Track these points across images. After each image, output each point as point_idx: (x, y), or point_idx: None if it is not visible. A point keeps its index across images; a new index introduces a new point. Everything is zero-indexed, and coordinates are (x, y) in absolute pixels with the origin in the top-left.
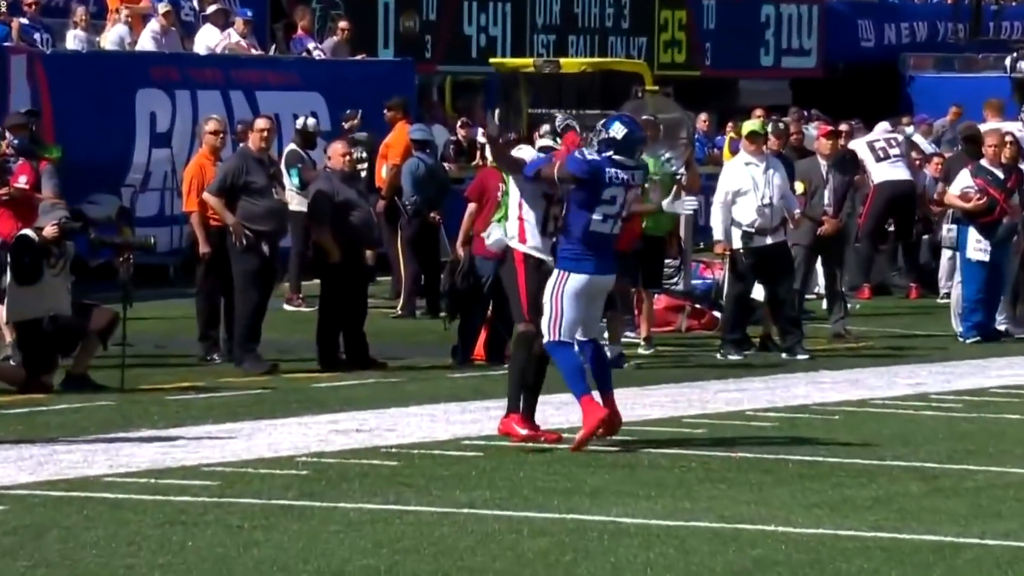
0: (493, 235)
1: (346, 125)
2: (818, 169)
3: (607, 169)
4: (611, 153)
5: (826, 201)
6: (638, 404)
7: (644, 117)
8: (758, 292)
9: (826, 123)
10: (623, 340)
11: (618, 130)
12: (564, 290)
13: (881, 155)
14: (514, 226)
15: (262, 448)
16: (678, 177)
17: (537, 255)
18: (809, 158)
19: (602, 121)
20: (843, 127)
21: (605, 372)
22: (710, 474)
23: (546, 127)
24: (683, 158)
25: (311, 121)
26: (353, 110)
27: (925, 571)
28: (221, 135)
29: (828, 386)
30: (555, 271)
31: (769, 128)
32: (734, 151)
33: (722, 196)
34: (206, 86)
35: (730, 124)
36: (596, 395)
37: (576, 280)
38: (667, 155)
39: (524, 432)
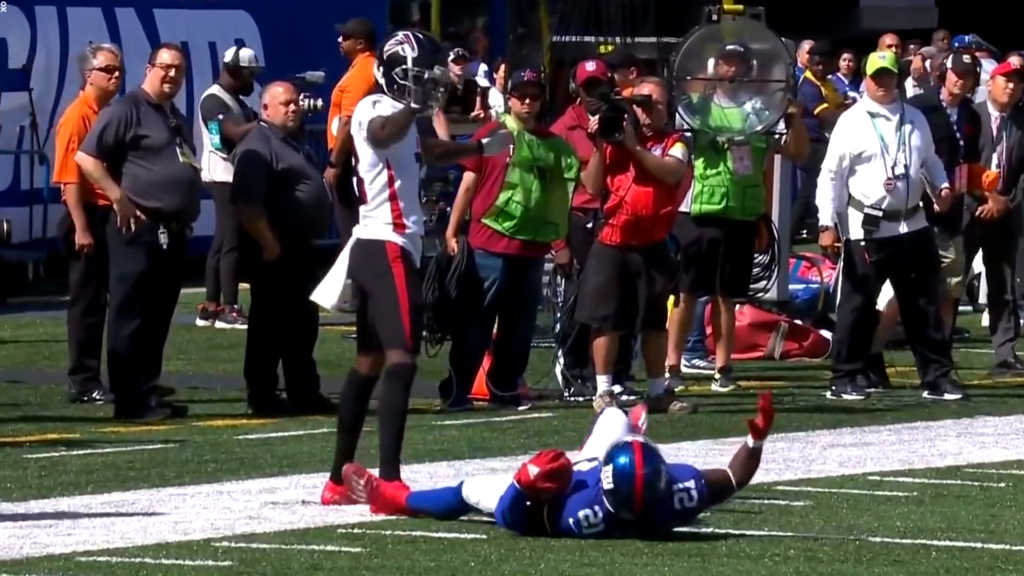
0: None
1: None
2: (985, 123)
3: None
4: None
5: (993, 169)
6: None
7: (728, 48)
8: (887, 302)
9: (991, 56)
10: (691, 369)
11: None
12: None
13: None
14: (385, 209)
15: (164, 529)
16: (776, 138)
17: (414, 251)
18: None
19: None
20: (1015, 60)
21: None
22: (816, 567)
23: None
24: (781, 109)
25: (246, 53)
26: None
27: None
28: (117, 73)
29: (989, 439)
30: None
31: (953, 64)
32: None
33: (834, 163)
34: (81, 0)
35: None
36: None
37: None
38: (758, 106)
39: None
